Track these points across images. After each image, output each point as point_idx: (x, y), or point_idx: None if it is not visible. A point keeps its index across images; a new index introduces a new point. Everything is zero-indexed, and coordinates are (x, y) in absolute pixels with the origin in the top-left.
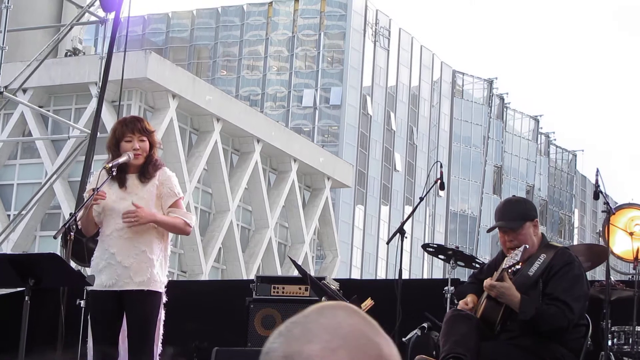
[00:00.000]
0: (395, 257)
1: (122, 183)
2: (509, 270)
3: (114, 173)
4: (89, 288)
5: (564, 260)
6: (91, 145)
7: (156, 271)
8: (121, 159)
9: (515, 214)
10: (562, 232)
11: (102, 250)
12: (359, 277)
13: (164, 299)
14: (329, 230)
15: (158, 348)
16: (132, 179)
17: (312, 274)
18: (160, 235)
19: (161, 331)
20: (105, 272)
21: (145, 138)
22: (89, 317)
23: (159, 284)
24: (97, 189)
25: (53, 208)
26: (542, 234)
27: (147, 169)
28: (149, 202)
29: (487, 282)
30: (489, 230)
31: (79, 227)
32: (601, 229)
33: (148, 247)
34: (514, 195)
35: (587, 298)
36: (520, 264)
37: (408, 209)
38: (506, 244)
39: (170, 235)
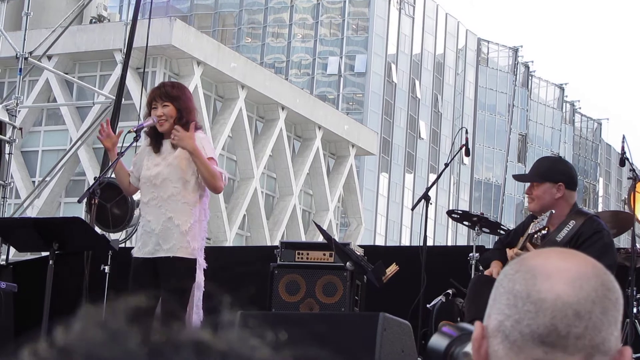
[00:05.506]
0: (419, 224)
1: (157, 149)
2: (535, 236)
3: (139, 137)
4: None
5: (594, 228)
6: (116, 111)
7: (184, 237)
8: (145, 123)
9: (539, 170)
10: (587, 200)
11: (142, 219)
12: (383, 244)
13: (204, 264)
14: (353, 198)
15: (199, 313)
16: (166, 144)
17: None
18: (188, 201)
19: (200, 296)
20: (142, 239)
21: (168, 103)
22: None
23: (189, 250)
24: (122, 153)
25: (77, 174)
26: (575, 202)
27: None
28: (176, 168)
29: (509, 252)
30: (514, 176)
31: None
32: (627, 196)
33: (174, 214)
34: (555, 154)
35: (616, 267)
36: (546, 228)
37: (432, 177)
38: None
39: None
